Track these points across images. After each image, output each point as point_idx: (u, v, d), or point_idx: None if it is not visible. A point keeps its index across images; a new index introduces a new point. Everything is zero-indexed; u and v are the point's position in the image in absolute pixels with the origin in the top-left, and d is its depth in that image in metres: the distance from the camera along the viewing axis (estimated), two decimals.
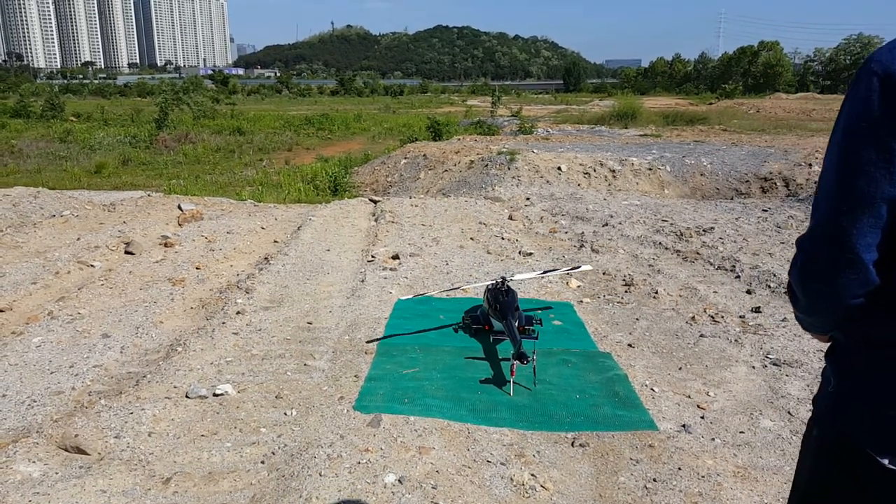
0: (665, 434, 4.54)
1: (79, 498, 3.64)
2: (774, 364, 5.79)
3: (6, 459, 4.00)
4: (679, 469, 4.10)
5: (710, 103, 54.29)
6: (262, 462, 4.10)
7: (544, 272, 7.61)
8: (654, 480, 3.98)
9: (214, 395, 4.98)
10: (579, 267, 7.93)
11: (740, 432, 4.60)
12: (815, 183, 15.24)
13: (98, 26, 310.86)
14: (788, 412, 4.89)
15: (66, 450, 4.14)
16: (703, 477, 4.02)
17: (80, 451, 4.12)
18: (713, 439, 4.49)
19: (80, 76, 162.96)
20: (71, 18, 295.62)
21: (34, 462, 4.00)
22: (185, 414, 4.71)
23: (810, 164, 17.15)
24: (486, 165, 17.46)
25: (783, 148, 19.78)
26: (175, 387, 5.12)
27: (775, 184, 16.51)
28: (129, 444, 4.25)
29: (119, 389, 5.23)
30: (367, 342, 6.17)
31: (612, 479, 4.01)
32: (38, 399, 5.10)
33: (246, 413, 4.75)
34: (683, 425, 4.66)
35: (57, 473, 3.91)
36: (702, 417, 4.81)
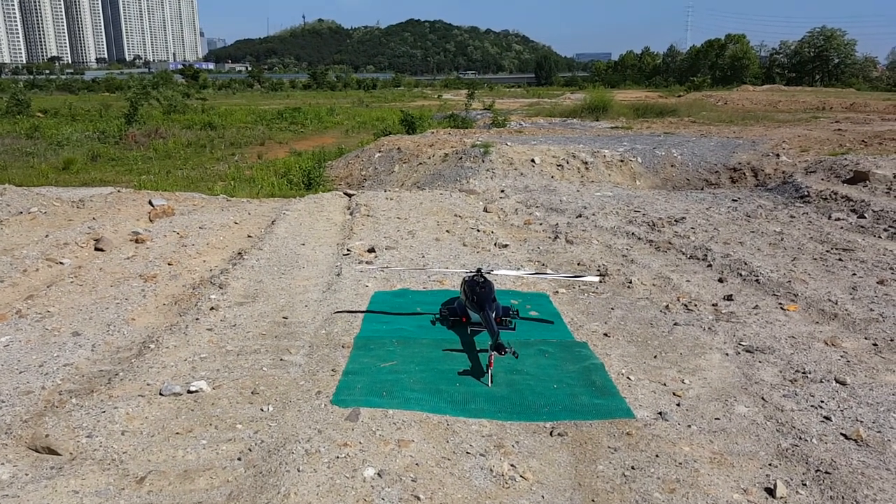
0: (642, 422, 4.58)
1: (50, 499, 3.56)
2: (747, 351, 5.88)
3: None
4: (657, 456, 4.14)
5: (679, 95, 54.83)
6: (239, 459, 4.05)
7: (537, 273, 7.59)
8: (633, 468, 4.02)
9: (189, 391, 4.91)
10: (584, 277, 7.24)
11: (716, 419, 4.66)
12: (784, 172, 15.53)
13: (64, 21, 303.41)
14: (762, 398, 4.97)
15: (37, 450, 4.05)
16: (680, 463, 4.07)
17: (52, 452, 4.03)
18: (689, 426, 4.55)
19: (47, 71, 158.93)
20: (36, 13, 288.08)
21: (3, 464, 3.90)
22: (158, 412, 4.64)
23: (778, 155, 17.43)
24: (461, 158, 17.44)
25: (751, 139, 20.09)
26: (148, 384, 5.04)
27: (744, 174, 16.74)
28: (102, 444, 4.17)
29: (91, 388, 5.12)
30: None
31: (590, 467, 4.04)
32: (7, 399, 4.97)
33: (221, 409, 4.69)
34: (660, 413, 4.71)
35: (27, 475, 3.82)
36: (678, 405, 4.87)
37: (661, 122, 29.55)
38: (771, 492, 3.78)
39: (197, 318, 6.55)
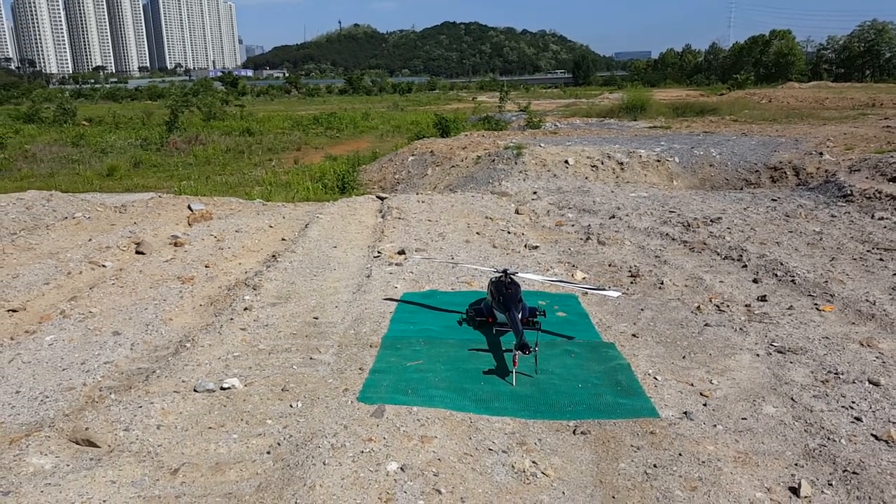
0: (666, 421, 4.57)
1: (89, 489, 3.73)
2: (779, 352, 5.80)
3: (19, 452, 4.10)
4: (680, 455, 4.13)
5: (722, 94, 53.80)
6: (268, 452, 4.18)
7: (561, 280, 7.62)
8: (655, 466, 4.02)
9: (222, 388, 5.07)
10: (605, 291, 6.91)
11: (742, 419, 4.62)
12: (826, 171, 15.16)
13: (108, 31, 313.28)
14: (791, 398, 4.90)
15: (77, 443, 4.24)
16: (703, 462, 4.05)
17: (91, 444, 4.22)
18: (715, 426, 4.51)
19: (92, 81, 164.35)
20: (82, 24, 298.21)
21: (46, 455, 4.10)
22: (192, 407, 4.80)
23: (821, 153, 17.03)
24: (493, 160, 17.48)
25: (794, 137, 19.65)
26: (183, 381, 5.22)
27: (785, 173, 16.40)
28: (139, 437, 4.34)
29: (129, 384, 5.33)
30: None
31: (612, 465, 4.05)
32: (51, 395, 5.21)
33: (252, 406, 4.83)
34: (685, 412, 4.68)
35: (68, 465, 4.01)
36: (704, 405, 4.83)
37: (701, 121, 29.08)
38: (795, 491, 3.74)
39: (231, 318, 6.73)
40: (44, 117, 44.27)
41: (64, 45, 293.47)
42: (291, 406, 4.80)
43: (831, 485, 3.82)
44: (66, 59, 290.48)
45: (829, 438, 4.30)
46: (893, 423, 4.47)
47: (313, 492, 3.64)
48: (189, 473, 3.94)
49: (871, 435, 4.33)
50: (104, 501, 3.63)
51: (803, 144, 18.28)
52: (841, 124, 24.05)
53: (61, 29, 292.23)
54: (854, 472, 3.90)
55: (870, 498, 3.68)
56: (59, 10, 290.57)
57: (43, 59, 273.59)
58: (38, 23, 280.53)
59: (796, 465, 4.04)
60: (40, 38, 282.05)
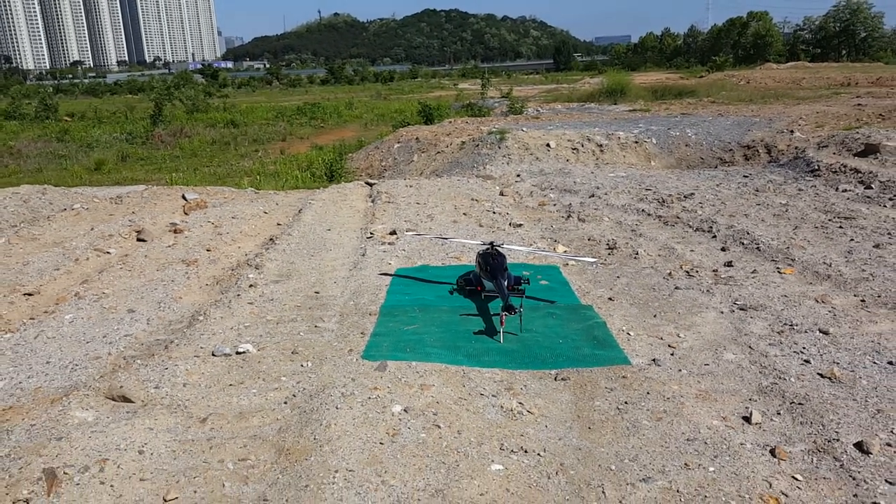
0: (637, 367, 5.15)
1: (130, 434, 4.23)
2: (741, 309, 6.39)
3: (62, 409, 4.60)
4: (648, 394, 4.71)
5: (701, 76, 54.44)
6: (285, 403, 4.70)
7: (541, 250, 8.20)
8: (626, 403, 4.59)
9: (237, 353, 5.59)
10: (582, 258, 8.03)
11: (705, 364, 5.21)
12: (796, 148, 15.80)
13: (85, 25, 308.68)
14: (749, 346, 5.49)
15: (114, 399, 4.74)
16: (668, 399, 4.63)
17: (126, 400, 4.72)
18: (680, 370, 5.10)
19: (70, 76, 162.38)
20: (57, 18, 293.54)
21: (87, 409, 4.59)
22: (213, 369, 5.31)
23: (792, 131, 17.71)
24: (478, 146, 17.98)
25: (768, 116, 20.33)
26: (201, 348, 5.72)
27: (758, 151, 17.06)
28: (168, 393, 4.85)
29: (151, 353, 5.82)
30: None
31: (589, 403, 4.62)
32: (80, 364, 5.69)
33: (267, 366, 5.35)
34: (654, 360, 5.27)
35: (108, 417, 4.51)
36: (671, 354, 5.41)
37: (679, 103, 29.68)
38: (747, 419, 4.32)
39: (238, 295, 7.22)
40: (25, 113, 44.03)
41: (40, 40, 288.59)
42: (302, 365, 5.32)
43: (779, 413, 4.41)
44: (43, 55, 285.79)
45: (780, 378, 4.89)
46: (837, 363, 5.07)
47: (329, 429, 4.17)
48: (217, 421, 4.46)
49: (818, 374, 4.92)
50: (145, 444, 4.14)
51: (776, 123, 18.97)
52: (814, 103, 24.75)
53: (36, 24, 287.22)
54: (800, 404, 4.49)
55: (811, 423, 4.27)
56: (33, 4, 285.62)
57: (19, 54, 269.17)
58: (12, 18, 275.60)
59: (750, 399, 4.62)
60: (15, 34, 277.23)
